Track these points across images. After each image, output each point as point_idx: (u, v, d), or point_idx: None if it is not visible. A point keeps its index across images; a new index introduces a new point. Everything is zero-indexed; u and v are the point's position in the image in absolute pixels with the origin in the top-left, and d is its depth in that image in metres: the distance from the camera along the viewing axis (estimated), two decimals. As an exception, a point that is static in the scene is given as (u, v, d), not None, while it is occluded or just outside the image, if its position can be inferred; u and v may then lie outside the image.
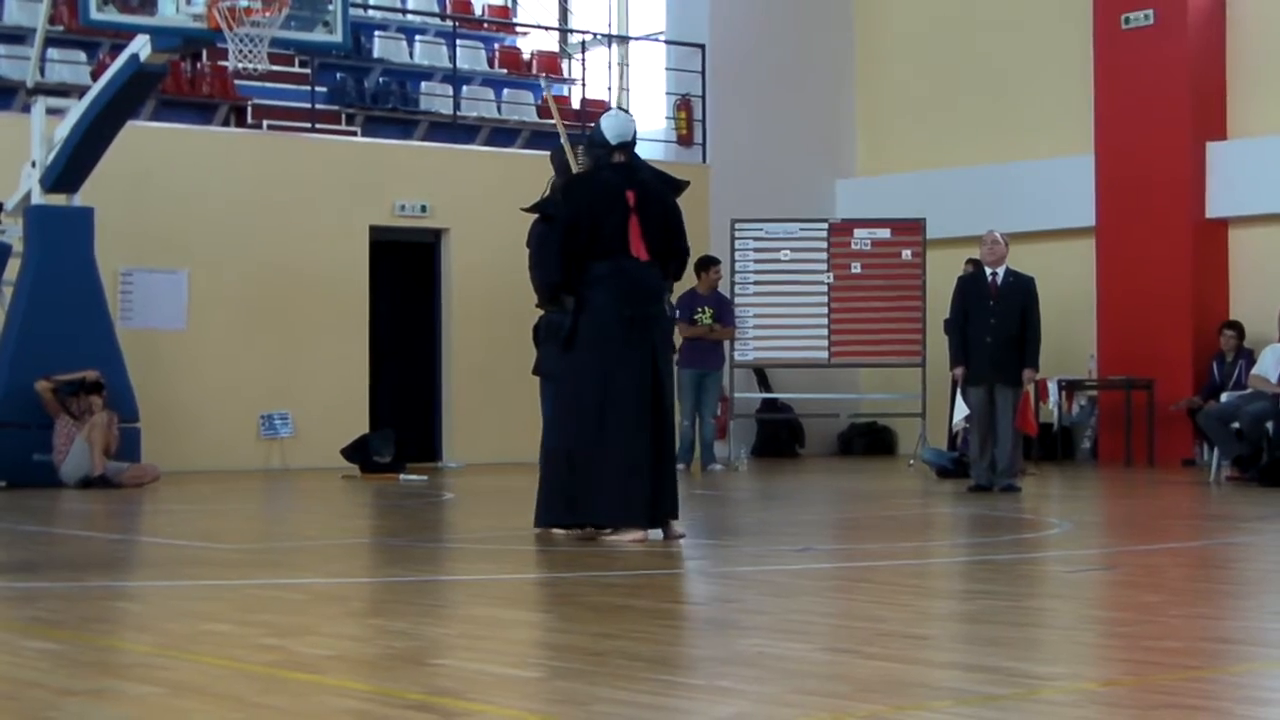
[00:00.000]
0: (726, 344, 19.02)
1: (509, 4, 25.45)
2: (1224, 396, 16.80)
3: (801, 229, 20.29)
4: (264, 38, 14.82)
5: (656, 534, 9.64)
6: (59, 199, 16.52)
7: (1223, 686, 5.15)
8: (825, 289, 20.03)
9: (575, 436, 9.59)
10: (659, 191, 9.87)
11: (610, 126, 9.88)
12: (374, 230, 19.92)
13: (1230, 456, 15.74)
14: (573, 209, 9.69)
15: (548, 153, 11.10)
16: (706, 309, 18.50)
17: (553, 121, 21.47)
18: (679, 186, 10.07)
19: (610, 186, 9.71)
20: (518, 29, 24.75)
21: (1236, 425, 15.61)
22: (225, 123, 20.41)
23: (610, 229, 9.62)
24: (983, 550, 9.96)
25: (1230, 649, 5.96)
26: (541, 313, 10.50)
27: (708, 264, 18.58)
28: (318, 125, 20.34)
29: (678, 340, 11.40)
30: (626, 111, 10.26)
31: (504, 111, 22.59)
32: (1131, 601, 7.30)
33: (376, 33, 22.65)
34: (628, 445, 9.47)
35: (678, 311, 17.66)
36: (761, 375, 22.07)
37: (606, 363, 9.53)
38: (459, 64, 22.41)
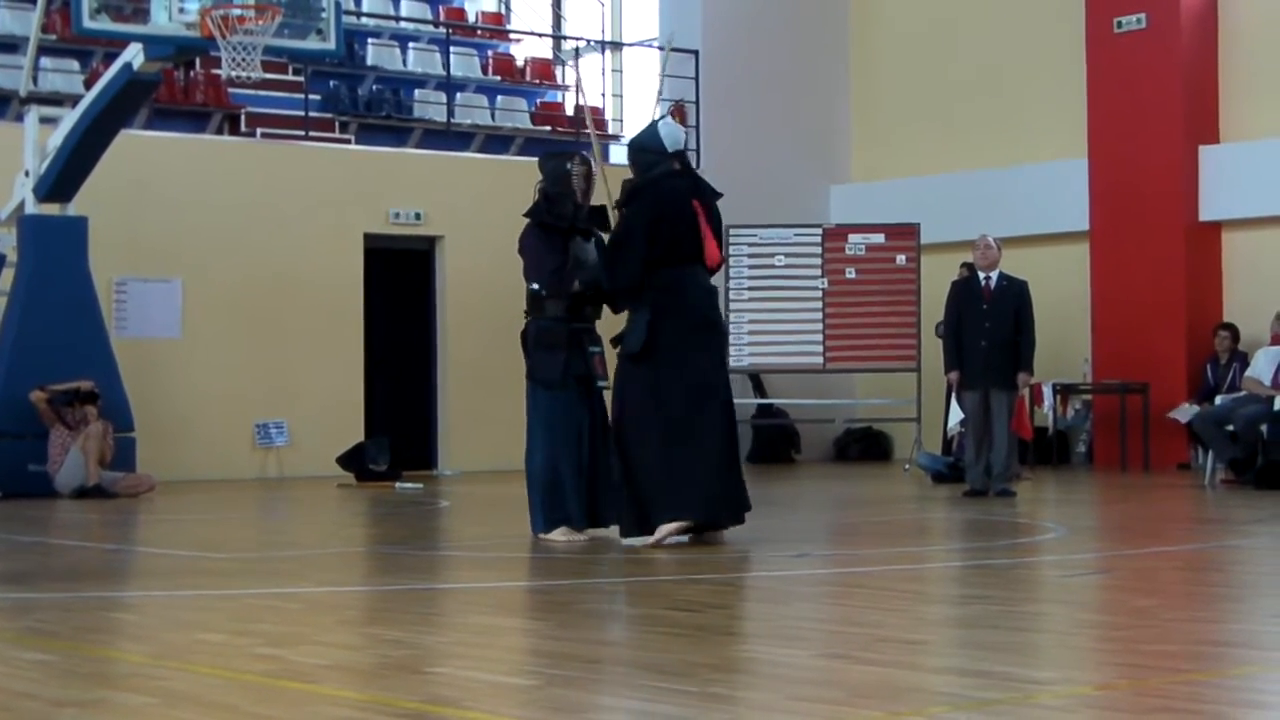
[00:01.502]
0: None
1: (502, 11, 25.47)
2: (1218, 399, 16.80)
3: (796, 234, 20.30)
4: (257, 46, 14.81)
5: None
6: (53, 208, 16.51)
7: (1219, 690, 5.15)
8: (820, 294, 20.05)
9: (668, 439, 9.58)
10: (714, 200, 9.94)
11: (668, 135, 9.89)
12: (369, 238, 19.92)
13: (1225, 460, 15.74)
14: (652, 215, 9.66)
15: (537, 159, 11.05)
16: None
17: (547, 129, 21.49)
18: (718, 195, 10.08)
19: (679, 194, 9.74)
20: (511, 36, 24.76)
21: (1231, 428, 15.61)
22: (219, 131, 20.41)
23: (684, 236, 9.68)
24: (978, 555, 9.96)
25: (1226, 652, 5.96)
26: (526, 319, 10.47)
27: None
28: (311, 133, 20.35)
29: None
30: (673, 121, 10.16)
31: (498, 118, 22.59)
32: (1127, 605, 7.31)
33: (370, 40, 22.66)
34: (720, 443, 9.59)
35: None
36: (756, 380, 22.07)
37: (688, 366, 9.60)
38: (453, 71, 22.41)
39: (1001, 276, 14.51)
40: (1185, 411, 17.69)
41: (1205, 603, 7.51)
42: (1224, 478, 15.74)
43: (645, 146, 9.91)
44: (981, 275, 14.57)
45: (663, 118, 10.38)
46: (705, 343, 9.70)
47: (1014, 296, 14.40)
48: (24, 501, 14.86)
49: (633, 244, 9.67)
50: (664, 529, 9.60)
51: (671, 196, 9.71)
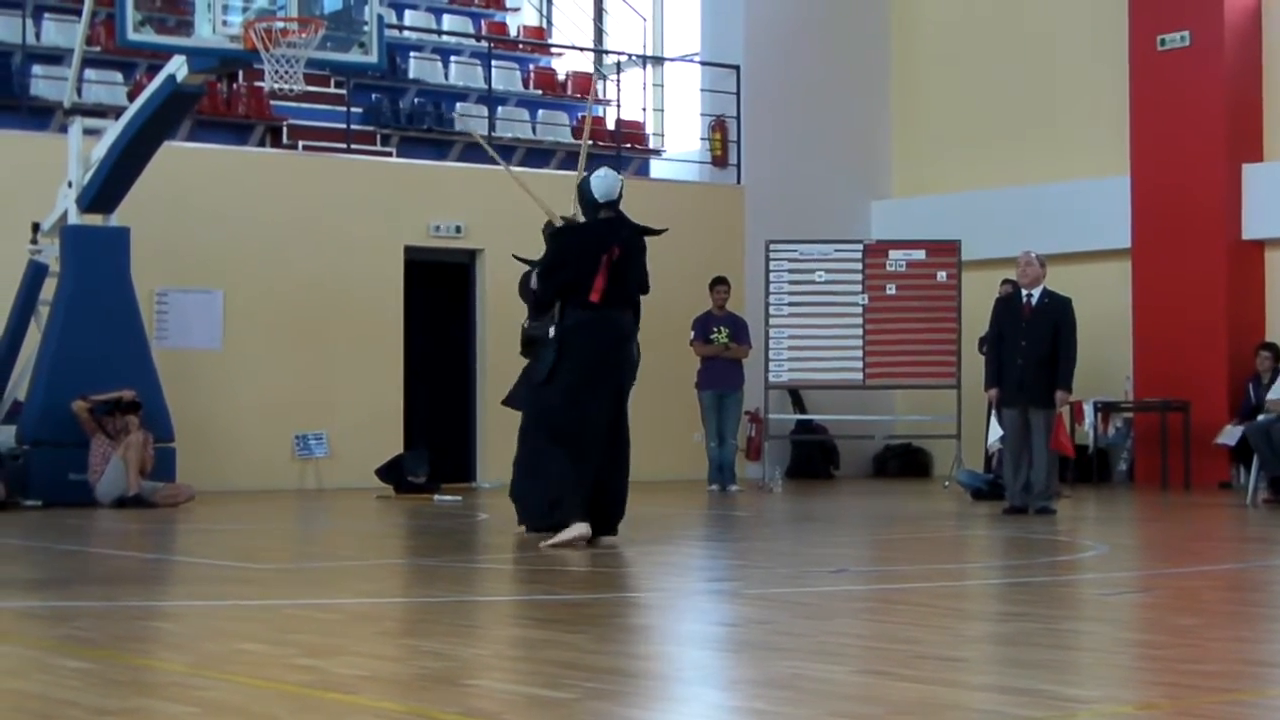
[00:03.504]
0: (747, 364, 19.00)
1: (544, 25, 25.50)
2: (1259, 419, 16.71)
3: (836, 250, 20.26)
4: (300, 58, 14.86)
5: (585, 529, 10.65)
6: (95, 219, 16.58)
7: (1261, 710, 5.12)
8: (860, 310, 20.00)
9: (553, 455, 10.93)
10: (638, 247, 10.94)
11: (598, 186, 10.90)
12: (409, 251, 19.95)
13: (1274, 473, 15.66)
14: (555, 260, 10.96)
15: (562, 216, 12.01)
16: (722, 328, 18.60)
17: (590, 143, 21.55)
18: (654, 233, 11.04)
19: (590, 243, 10.83)
20: (553, 50, 24.78)
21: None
22: (261, 143, 20.47)
23: (586, 279, 10.72)
24: (1018, 572, 9.92)
25: (1268, 672, 5.93)
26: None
27: (716, 283, 18.76)
28: (353, 146, 20.39)
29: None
30: (616, 171, 11.33)
31: (539, 132, 22.61)
32: (1168, 624, 7.27)
33: (412, 53, 22.70)
34: (590, 465, 10.67)
35: (692, 334, 18.64)
36: (796, 396, 22.04)
37: (581, 397, 10.71)
38: (494, 85, 22.44)
39: (1044, 294, 14.43)
40: (1231, 434, 17.62)
41: (1247, 622, 7.47)
42: (1265, 497, 15.66)
43: (583, 192, 11.02)
44: (1024, 292, 14.49)
45: (600, 169, 11.17)
46: (597, 378, 10.76)
47: (1054, 314, 14.31)
48: (65, 510, 14.91)
49: (539, 279, 11.15)
50: (566, 533, 10.58)
51: (580, 248, 10.87)
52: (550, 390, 10.90)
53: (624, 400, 10.96)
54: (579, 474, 10.66)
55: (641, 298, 11.13)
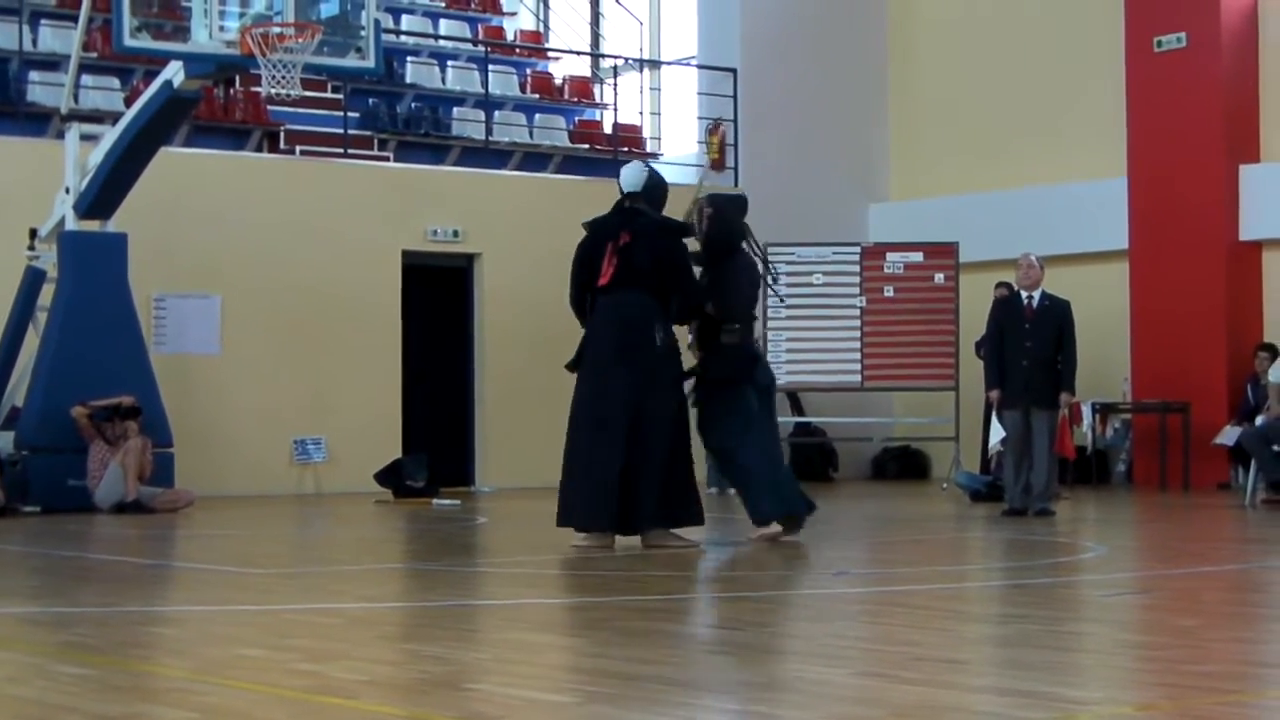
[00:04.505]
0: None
1: (541, 29, 25.52)
2: (1259, 420, 16.72)
3: (834, 253, 20.27)
4: (297, 63, 14.85)
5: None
6: (93, 225, 16.57)
7: (1261, 711, 5.12)
8: (858, 312, 20.01)
9: (571, 450, 10.87)
10: (652, 235, 10.96)
11: (623, 177, 11.23)
12: (407, 255, 19.95)
13: (1272, 477, 15.66)
14: (579, 252, 11.05)
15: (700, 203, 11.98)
16: None
17: (585, 147, 21.58)
18: (676, 230, 11.19)
19: (605, 229, 10.99)
20: (549, 54, 24.80)
21: (1277, 448, 15.55)
22: (258, 148, 20.48)
23: (598, 267, 10.91)
24: (1018, 574, 9.93)
25: (1268, 673, 5.93)
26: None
27: None
28: (350, 150, 20.40)
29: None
30: (646, 164, 11.64)
31: (536, 136, 22.62)
32: (1168, 625, 7.27)
33: (409, 58, 22.72)
34: (601, 459, 10.63)
35: (690, 337, 18.41)
36: (794, 399, 22.03)
37: (598, 385, 10.75)
38: (491, 89, 22.45)
39: (1044, 296, 14.44)
40: (1230, 435, 17.62)
41: (1247, 623, 7.47)
42: (1265, 497, 15.67)
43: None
44: (1024, 294, 14.51)
45: (634, 161, 11.70)
46: (614, 363, 10.73)
47: (1056, 316, 14.34)
48: (63, 516, 14.90)
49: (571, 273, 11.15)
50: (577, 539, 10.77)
51: (592, 241, 11.00)
52: (577, 379, 10.93)
53: (648, 387, 10.66)
54: (586, 473, 10.64)
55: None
